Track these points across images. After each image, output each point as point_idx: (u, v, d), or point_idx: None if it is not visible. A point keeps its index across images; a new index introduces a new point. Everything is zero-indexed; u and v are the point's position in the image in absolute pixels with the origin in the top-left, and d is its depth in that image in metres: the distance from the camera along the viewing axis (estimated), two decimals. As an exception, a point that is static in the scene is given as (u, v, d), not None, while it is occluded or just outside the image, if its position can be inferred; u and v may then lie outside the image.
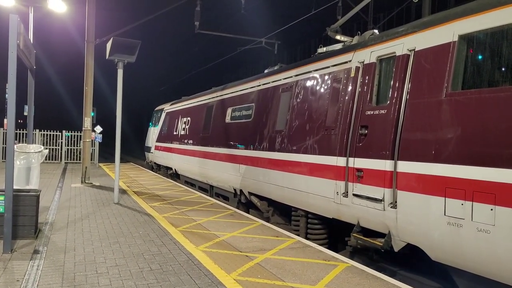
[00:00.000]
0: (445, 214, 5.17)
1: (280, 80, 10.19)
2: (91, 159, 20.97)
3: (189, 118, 17.45)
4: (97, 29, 16.05)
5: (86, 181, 15.38)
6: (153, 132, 23.83)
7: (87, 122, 15.95)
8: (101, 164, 24.73)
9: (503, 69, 4.92)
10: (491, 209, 4.62)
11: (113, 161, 12.64)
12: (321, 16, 18.30)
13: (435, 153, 5.39)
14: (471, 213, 4.84)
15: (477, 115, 4.94)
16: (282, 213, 10.19)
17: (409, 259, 6.47)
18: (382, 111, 6.49)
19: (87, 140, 16.15)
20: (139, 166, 24.64)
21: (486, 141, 4.78)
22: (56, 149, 25.43)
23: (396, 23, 22.43)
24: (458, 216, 5.00)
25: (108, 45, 10.89)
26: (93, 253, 6.47)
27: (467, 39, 5.38)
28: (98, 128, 21.79)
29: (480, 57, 5.29)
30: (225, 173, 12.54)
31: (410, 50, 6.20)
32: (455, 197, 5.05)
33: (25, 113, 14.92)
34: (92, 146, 21.33)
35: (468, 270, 5.05)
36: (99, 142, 23.44)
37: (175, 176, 19.16)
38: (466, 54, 5.38)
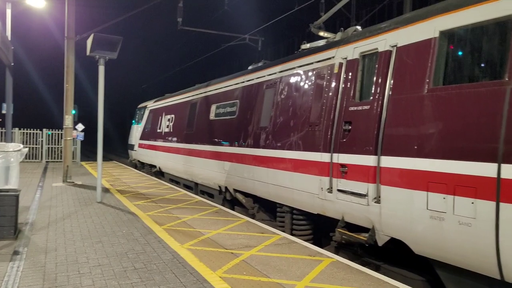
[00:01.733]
0: (427, 208, 5.23)
1: (264, 76, 10.18)
2: (73, 158, 20.73)
3: (173, 116, 17.32)
4: (78, 25, 15.82)
5: (68, 180, 15.15)
6: (137, 130, 23.61)
7: (68, 120, 15.71)
8: (83, 163, 24.42)
9: (482, 64, 4.99)
10: (472, 203, 4.68)
11: (95, 159, 12.49)
12: (304, 12, 18.34)
13: (418, 148, 5.44)
14: (453, 206, 4.90)
15: (458, 110, 5.00)
16: (267, 210, 10.19)
17: (393, 253, 6.53)
18: (366, 107, 6.53)
19: (68, 138, 15.91)
20: (123, 165, 24.40)
21: (467, 136, 4.84)
22: (36, 147, 25.04)
23: (378, 19, 22.58)
24: (440, 210, 5.06)
25: (89, 41, 10.72)
26: (75, 253, 6.38)
27: (448, 35, 5.43)
28: (80, 126, 21.46)
29: (460, 52, 5.35)
30: (210, 171, 12.49)
31: (392, 46, 6.24)
32: (437, 191, 5.10)
33: (4, 111, 14.61)
34: (73, 145, 21.05)
35: (450, 263, 5.12)
36: (81, 141, 23.11)
37: (160, 174, 19.02)
38: (447, 50, 5.43)
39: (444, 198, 5.01)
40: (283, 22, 20.30)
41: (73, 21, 15.59)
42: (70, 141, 16.15)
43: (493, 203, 4.46)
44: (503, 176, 4.40)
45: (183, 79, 43.48)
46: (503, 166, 4.40)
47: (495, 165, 4.47)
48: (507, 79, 4.54)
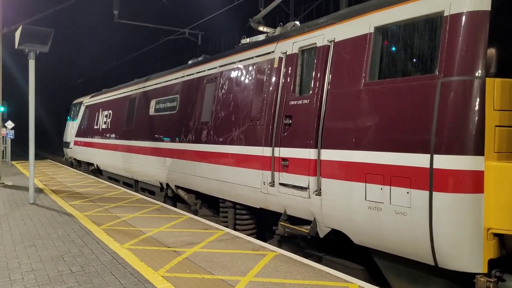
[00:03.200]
0: (366, 199, 5.39)
1: (205, 71, 10.06)
2: (3, 157, 19.53)
3: (110, 111, 16.76)
4: (5, 16, 14.86)
5: (-3, 181, 14.30)
6: (72, 127, 22.67)
7: (-4, 117, 14.78)
8: (14, 162, 23.10)
9: (415, 59, 5.20)
10: (407, 192, 4.88)
11: (27, 158, 11.82)
12: (244, 7, 18.34)
13: (355, 141, 5.60)
14: (390, 197, 5.09)
15: (393, 103, 5.19)
16: (210, 205, 10.12)
17: (335, 245, 6.69)
18: (305, 101, 6.62)
19: (-3, 136, 14.99)
20: (58, 163, 23.38)
21: (401, 128, 5.04)
22: (-39, 147, 23.35)
23: (316, 15, 23.03)
24: (378, 200, 5.24)
25: (17, 33, 10.12)
26: (6, 258, 6.01)
27: (383, 31, 5.61)
28: (9, 124, 20.29)
29: (394, 48, 5.55)
30: (151, 167, 12.21)
31: (330, 41, 6.36)
32: (374, 182, 5.28)
33: None
34: (3, 143, 19.84)
35: (388, 252, 5.31)
36: (11, 139, 21.83)
37: (97, 172, 18.39)
38: (382, 45, 5.61)
39: (381, 189, 5.19)
40: (223, 17, 20.19)
41: (0, 11, 14.63)
42: (-1, 139, 15.23)
43: (427, 193, 4.68)
44: (435, 166, 4.62)
45: (121, 74, 42.21)
46: (435, 156, 4.63)
47: (427, 156, 4.69)
48: (437, 73, 4.77)
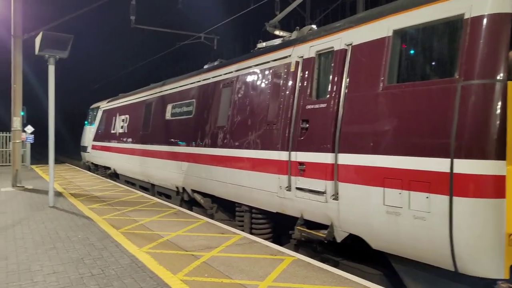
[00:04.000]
0: (384, 204, 5.36)
1: (221, 75, 10.11)
2: (22, 161, 19.85)
3: (127, 116, 16.93)
4: (26, 22, 15.15)
5: (18, 185, 14.53)
6: (89, 131, 22.94)
7: (17, 122, 15.03)
8: (33, 166, 23.46)
9: (434, 62, 5.16)
10: (427, 197, 4.84)
11: (46, 162, 12.00)
12: (260, 11, 18.40)
13: (374, 145, 5.57)
14: (408, 201, 5.05)
15: (412, 107, 5.15)
16: (226, 209, 10.14)
17: (351, 249, 6.65)
18: (322, 105, 6.61)
19: (17, 141, 15.23)
20: (76, 167, 23.67)
21: (420, 132, 5.00)
22: (-18, 151, 23.85)
23: (332, 19, 23.01)
24: (396, 205, 5.20)
25: (37, 40, 10.31)
26: (28, 261, 6.09)
27: (401, 34, 5.59)
28: (29, 128, 20.61)
29: (413, 51, 5.52)
30: (167, 171, 12.29)
31: (347, 45, 6.35)
32: (393, 187, 5.24)
33: None
34: (23, 147, 20.18)
35: (407, 257, 5.27)
36: (30, 143, 22.18)
37: (114, 176, 18.57)
38: (400, 49, 5.58)
39: (400, 193, 5.15)
40: (239, 21, 20.28)
41: (21, 18, 14.91)
42: (19, 144, 15.47)
43: (447, 197, 4.63)
44: (455, 171, 4.58)
45: (137, 79, 42.61)
46: (456, 161, 4.58)
47: (448, 160, 4.64)
48: (457, 76, 4.73)
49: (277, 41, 8.97)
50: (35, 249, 6.73)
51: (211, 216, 10.17)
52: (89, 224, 8.58)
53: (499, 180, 4.43)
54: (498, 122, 4.45)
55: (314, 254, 7.10)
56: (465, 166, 4.52)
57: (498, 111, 4.46)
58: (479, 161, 4.46)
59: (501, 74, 4.50)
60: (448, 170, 4.63)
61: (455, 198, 4.56)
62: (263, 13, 18.55)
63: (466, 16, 4.75)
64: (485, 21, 4.60)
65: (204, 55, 35.63)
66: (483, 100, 4.52)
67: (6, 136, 23.84)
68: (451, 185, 4.59)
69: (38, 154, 32.65)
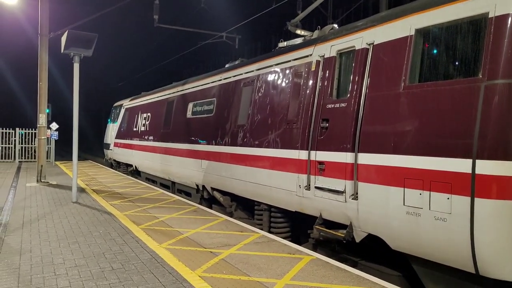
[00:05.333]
0: (404, 204, 5.30)
1: (242, 74, 10.15)
2: (47, 157, 20.30)
3: (149, 114, 17.14)
4: (52, 21, 15.50)
5: (42, 180, 14.87)
6: (112, 129, 23.30)
7: (42, 119, 15.40)
8: (57, 162, 23.97)
9: (457, 62, 5.08)
10: (448, 198, 4.77)
11: (70, 159, 12.25)
12: (281, 10, 18.38)
13: (394, 145, 5.52)
14: (429, 202, 4.99)
15: (434, 107, 5.08)
16: (245, 208, 10.18)
17: (370, 249, 6.60)
18: (343, 105, 6.58)
19: (42, 137, 15.60)
20: (98, 164, 24.06)
21: (442, 132, 4.93)
22: (9, 147, 24.45)
23: (354, 18, 22.82)
24: (416, 205, 5.14)
25: (63, 38, 10.54)
26: (51, 254, 6.25)
27: (423, 33, 5.52)
28: (54, 125, 21.05)
29: (435, 50, 5.44)
30: (187, 169, 12.41)
31: (369, 44, 6.30)
32: (413, 187, 5.18)
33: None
34: (48, 144, 20.63)
35: (426, 258, 5.20)
36: (55, 140, 22.67)
37: (136, 173, 18.82)
38: (423, 48, 5.52)
39: (420, 194, 5.09)
40: (261, 20, 20.28)
41: (47, 17, 15.27)
42: (44, 140, 15.84)
43: (468, 198, 4.56)
44: (477, 171, 4.50)
45: (160, 77, 43.07)
46: (478, 162, 4.50)
47: (469, 161, 4.57)
48: (481, 76, 4.65)
49: (298, 41, 8.95)
50: (58, 243, 6.89)
51: (230, 214, 10.22)
52: (110, 219, 8.74)
53: None
54: None
55: (332, 253, 7.08)
56: (487, 167, 4.44)
57: None
58: (502, 162, 4.38)
59: None
60: (470, 171, 4.56)
61: (476, 200, 4.49)
62: (285, 12, 18.53)
63: (490, 15, 4.66)
64: (509, 20, 4.51)
65: (226, 54, 35.80)
66: (507, 100, 4.43)
67: (31, 133, 24.39)
68: (473, 186, 4.51)
69: (63, 151, 33.31)
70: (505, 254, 4.43)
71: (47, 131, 18.19)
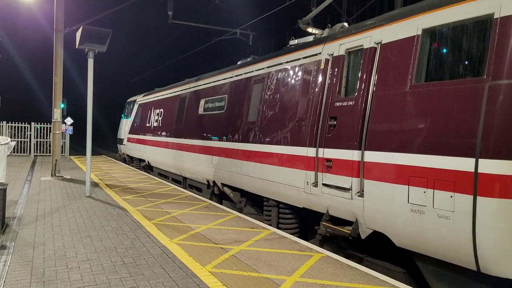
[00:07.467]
0: (408, 202, 5.36)
1: (253, 71, 10.24)
2: (62, 152, 20.59)
3: (162, 110, 17.32)
4: (67, 17, 15.71)
5: (57, 174, 15.13)
6: (126, 124, 23.55)
7: (57, 113, 15.65)
8: (72, 157, 24.30)
9: (462, 62, 5.11)
10: (451, 196, 4.82)
11: (84, 153, 12.45)
12: (296, 7, 18.35)
13: (399, 143, 5.57)
14: (433, 200, 5.04)
15: (439, 106, 5.12)
16: (255, 204, 10.29)
17: (375, 246, 6.66)
18: (350, 103, 6.63)
19: (57, 132, 15.86)
20: (112, 159, 24.33)
21: (447, 132, 4.98)
22: (24, 141, 24.86)
23: (369, 15, 22.67)
24: (420, 203, 5.20)
25: (78, 34, 10.67)
26: (64, 248, 6.41)
27: (430, 33, 5.54)
28: (69, 120, 21.36)
29: (442, 50, 5.46)
30: (199, 165, 12.55)
31: (377, 43, 6.34)
32: (418, 185, 5.24)
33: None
34: (62, 139, 20.96)
35: (430, 255, 5.26)
36: (70, 135, 23.00)
37: (148, 168, 19.04)
38: (429, 48, 5.54)
39: (424, 192, 5.14)
40: (275, 17, 20.26)
41: (62, 13, 15.49)
42: (59, 135, 16.09)
43: (471, 197, 4.61)
44: (480, 170, 4.55)
45: (173, 73, 43.28)
46: (481, 161, 4.55)
47: (473, 160, 4.62)
48: (485, 76, 4.68)
49: (310, 38, 9.00)
50: (71, 237, 7.06)
51: (240, 210, 10.34)
52: (123, 214, 8.90)
53: None
54: None
55: (339, 249, 7.15)
56: (490, 166, 4.48)
57: None
58: (505, 162, 4.42)
59: None
60: (472, 170, 4.61)
61: (479, 198, 4.54)
62: (300, 8, 18.47)
63: (495, 16, 4.68)
64: None
65: (240, 50, 35.83)
66: (510, 100, 4.46)
67: (47, 127, 24.75)
68: (476, 185, 4.57)
69: (78, 146, 33.73)
70: (506, 252, 4.47)
71: (62, 125, 18.48)
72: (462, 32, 5.09)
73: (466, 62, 5.04)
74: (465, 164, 4.70)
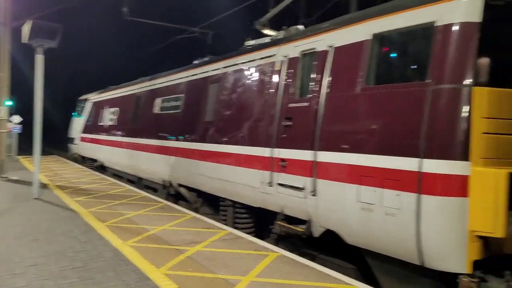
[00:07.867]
0: (359, 201, 5.53)
1: (209, 71, 10.20)
2: (9, 152, 19.73)
3: (117, 109, 16.95)
4: (15, 9, 15.03)
5: (2, 175, 14.51)
6: (77, 123, 22.87)
7: (3, 111, 14.97)
8: (20, 157, 23.27)
9: (409, 66, 5.34)
10: (397, 195, 5.04)
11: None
12: (259, 6, 18.36)
13: (351, 144, 5.74)
14: (381, 198, 5.23)
15: (387, 108, 5.35)
16: (211, 204, 10.25)
17: (327, 243, 6.80)
18: (305, 104, 6.75)
19: (3, 131, 15.20)
20: (64, 159, 23.57)
21: (394, 133, 5.21)
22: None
23: (328, 18, 22.92)
24: (370, 201, 5.38)
25: (24, 28, 10.19)
26: (8, 253, 6.13)
27: (380, 38, 5.74)
28: (17, 118, 20.46)
29: (390, 55, 5.68)
30: (155, 165, 12.37)
31: (329, 46, 6.49)
32: (368, 184, 5.42)
33: None
34: (10, 138, 20.06)
35: (379, 252, 5.45)
36: (19, 134, 22.04)
37: (102, 168, 18.57)
38: (379, 52, 5.74)
39: (374, 191, 5.33)
40: (235, 16, 20.16)
41: (10, 5, 14.80)
42: (5, 134, 15.45)
43: (415, 195, 4.84)
44: (423, 170, 4.79)
45: (135, 70, 42.27)
46: (424, 161, 4.79)
47: (417, 160, 4.85)
48: (429, 80, 4.91)
49: (266, 40, 9.06)
50: (16, 241, 6.75)
51: (196, 210, 10.28)
52: (73, 216, 8.62)
53: (464, 180, 4.64)
54: (464, 125, 4.66)
55: (293, 248, 7.25)
56: (432, 166, 4.73)
57: (464, 114, 4.67)
58: (446, 161, 4.68)
59: (468, 80, 4.71)
60: (417, 169, 4.83)
61: (422, 196, 4.77)
62: (263, 8, 18.49)
63: (437, 24, 4.94)
64: (454, 29, 4.80)
65: (202, 49, 35.43)
66: (450, 104, 4.73)
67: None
68: (420, 184, 4.79)
69: (27, 146, 32.38)
70: (447, 247, 4.73)
71: (9, 124, 17.70)
72: (408, 38, 5.33)
73: (412, 67, 5.28)
74: (411, 164, 4.92)
